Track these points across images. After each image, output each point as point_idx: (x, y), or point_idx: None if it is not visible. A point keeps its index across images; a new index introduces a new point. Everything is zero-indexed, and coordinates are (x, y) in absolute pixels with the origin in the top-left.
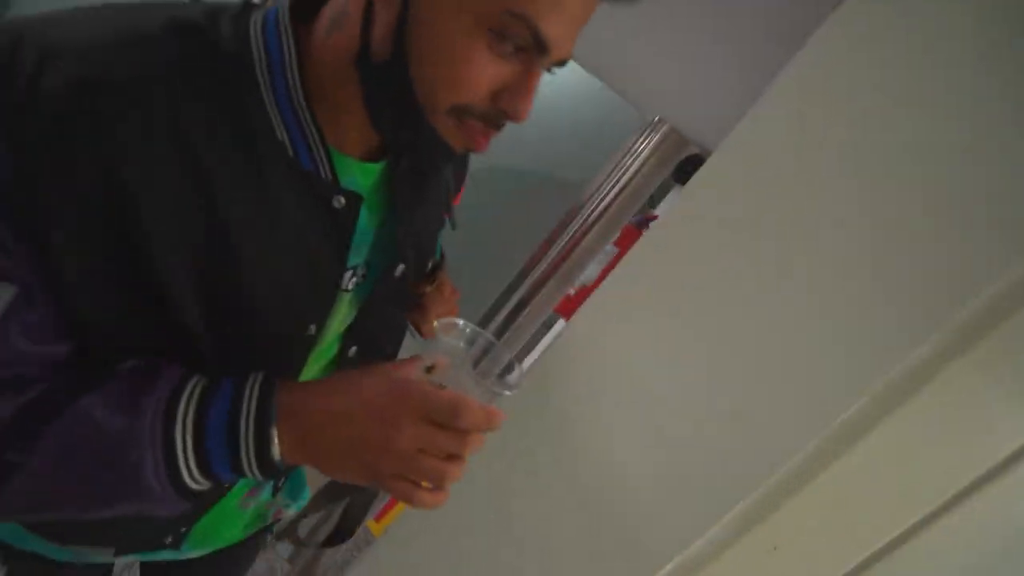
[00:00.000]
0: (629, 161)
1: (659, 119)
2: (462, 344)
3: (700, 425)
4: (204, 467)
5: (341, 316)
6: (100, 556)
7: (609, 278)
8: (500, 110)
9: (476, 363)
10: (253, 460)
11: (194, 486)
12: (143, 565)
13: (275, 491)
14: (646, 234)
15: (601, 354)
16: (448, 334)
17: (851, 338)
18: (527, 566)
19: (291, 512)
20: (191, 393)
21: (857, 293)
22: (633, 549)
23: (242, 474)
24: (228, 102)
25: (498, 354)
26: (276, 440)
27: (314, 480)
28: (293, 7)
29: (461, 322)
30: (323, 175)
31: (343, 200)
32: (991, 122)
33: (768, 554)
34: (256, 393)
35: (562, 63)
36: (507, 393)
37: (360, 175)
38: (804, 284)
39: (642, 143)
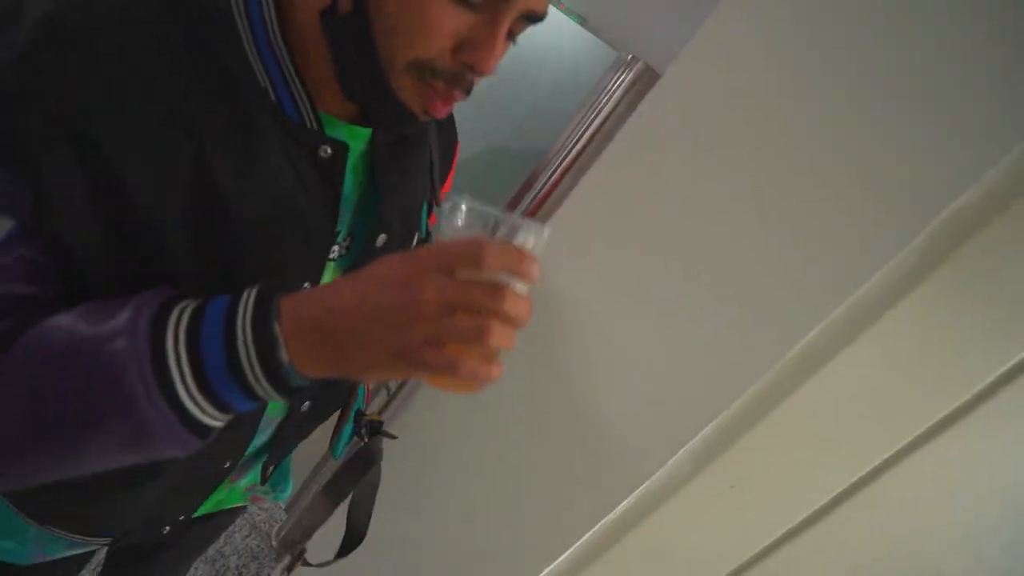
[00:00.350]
0: (603, 100)
1: (632, 57)
2: (461, 223)
3: (654, 362)
4: (201, 380)
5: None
6: (91, 547)
7: (562, 209)
8: (464, 65)
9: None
10: (256, 363)
11: (196, 411)
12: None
13: (264, 477)
14: (598, 163)
15: (555, 291)
16: (458, 217)
17: (807, 265)
18: (500, 500)
19: (269, 501)
20: (183, 307)
21: (818, 215)
22: (594, 486)
23: (249, 388)
24: (207, 50)
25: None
26: (280, 334)
27: (297, 476)
28: None
29: (465, 202)
30: (308, 124)
31: (329, 150)
32: (977, 30)
33: (726, 491)
34: (253, 294)
35: (535, 17)
36: (545, 234)
37: (347, 135)
38: (758, 208)
39: (616, 82)
